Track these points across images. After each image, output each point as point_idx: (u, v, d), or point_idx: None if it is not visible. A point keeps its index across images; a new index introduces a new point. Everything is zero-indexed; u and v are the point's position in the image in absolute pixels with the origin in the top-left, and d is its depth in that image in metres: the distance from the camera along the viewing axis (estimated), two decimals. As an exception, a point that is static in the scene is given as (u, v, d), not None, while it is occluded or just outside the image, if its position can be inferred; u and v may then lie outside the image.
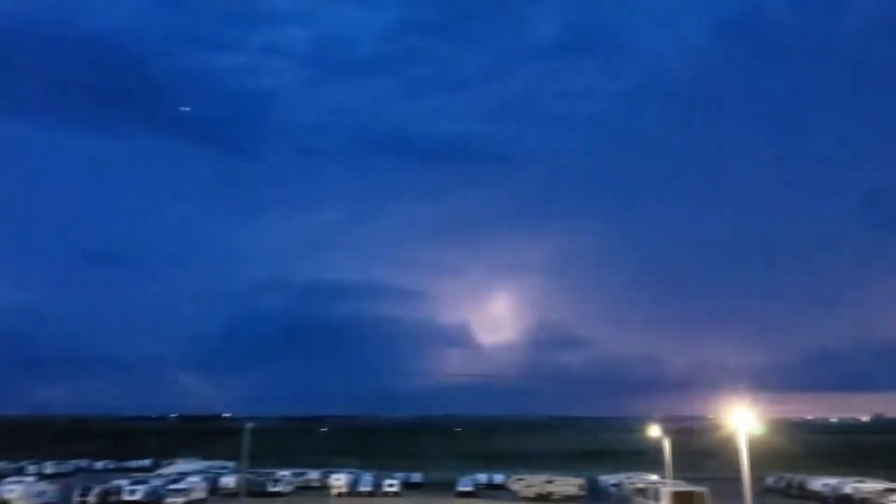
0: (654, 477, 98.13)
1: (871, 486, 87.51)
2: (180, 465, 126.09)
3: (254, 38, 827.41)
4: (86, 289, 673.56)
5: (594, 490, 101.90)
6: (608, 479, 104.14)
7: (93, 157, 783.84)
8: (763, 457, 65.71)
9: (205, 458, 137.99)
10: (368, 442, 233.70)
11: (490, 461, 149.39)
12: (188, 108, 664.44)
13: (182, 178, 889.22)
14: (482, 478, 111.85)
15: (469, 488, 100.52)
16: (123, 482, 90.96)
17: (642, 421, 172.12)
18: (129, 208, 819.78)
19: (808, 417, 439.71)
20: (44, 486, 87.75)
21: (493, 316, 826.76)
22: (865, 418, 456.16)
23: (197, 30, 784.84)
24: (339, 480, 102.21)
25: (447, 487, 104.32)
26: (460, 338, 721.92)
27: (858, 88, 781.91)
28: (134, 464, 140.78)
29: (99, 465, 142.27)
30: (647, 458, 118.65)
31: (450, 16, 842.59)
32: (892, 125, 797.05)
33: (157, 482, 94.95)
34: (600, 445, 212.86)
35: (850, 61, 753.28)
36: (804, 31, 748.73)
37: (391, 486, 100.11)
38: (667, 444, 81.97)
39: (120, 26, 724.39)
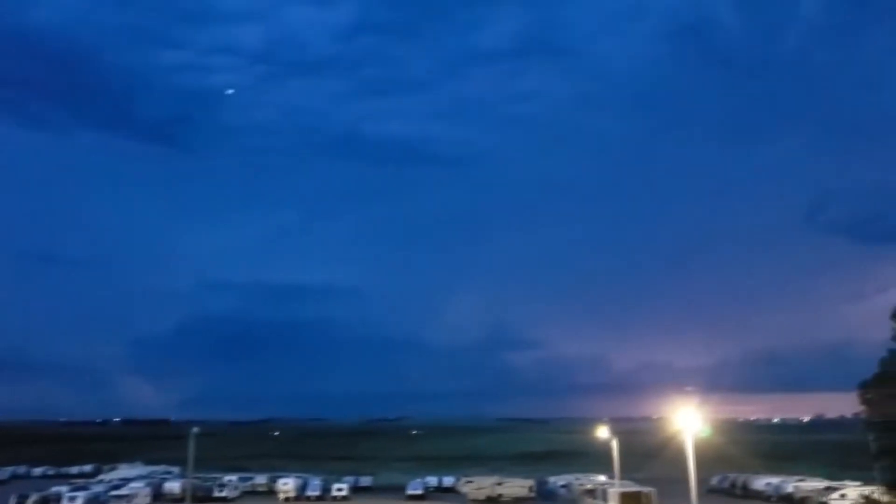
0: (602, 478, 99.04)
1: (811, 484, 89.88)
2: (123, 471, 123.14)
3: (204, 35, 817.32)
4: (24, 289, 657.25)
5: (543, 491, 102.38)
6: (557, 480, 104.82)
7: (32, 152, 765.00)
8: (708, 457, 66.65)
9: (149, 463, 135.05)
10: (317, 445, 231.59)
11: (441, 464, 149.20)
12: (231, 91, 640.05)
13: (128, 175, 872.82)
14: (432, 480, 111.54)
15: (419, 491, 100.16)
16: (63, 489, 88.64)
17: (591, 422, 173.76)
18: (71, 206, 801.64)
19: (752, 418, 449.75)
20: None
21: (445, 318, 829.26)
22: (806, 418, 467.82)
23: (146, 26, 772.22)
24: (286, 485, 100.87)
25: (397, 491, 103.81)
26: (411, 340, 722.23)
27: (804, 94, 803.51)
28: (75, 469, 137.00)
29: (37, 471, 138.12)
30: (595, 458, 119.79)
31: (403, 17, 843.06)
32: (835, 130, 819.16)
33: (98, 488, 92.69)
34: (549, 447, 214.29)
35: (795, 68, 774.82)
36: (752, 39, 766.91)
37: (340, 490, 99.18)
38: (615, 445, 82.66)
39: (64, 19, 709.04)
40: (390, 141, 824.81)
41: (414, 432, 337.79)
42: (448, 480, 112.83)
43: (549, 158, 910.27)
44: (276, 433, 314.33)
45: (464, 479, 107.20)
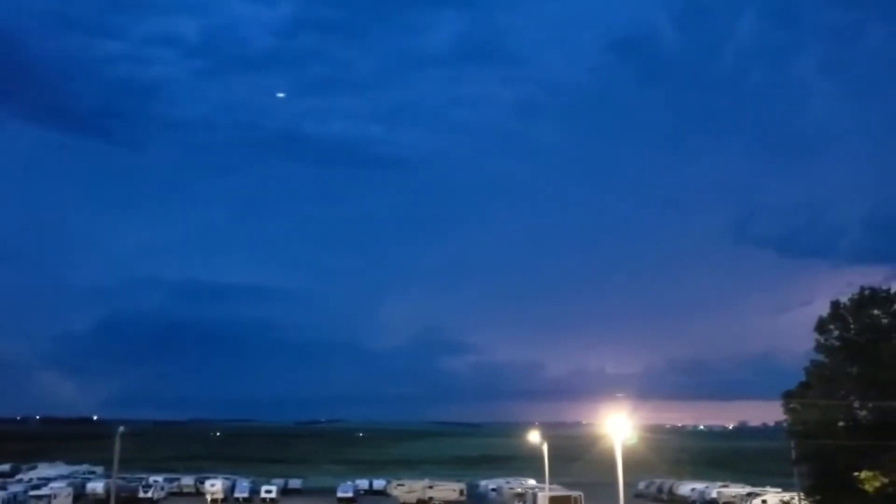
0: (532, 482, 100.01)
1: (734, 490, 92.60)
2: (43, 470, 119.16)
3: (140, 26, 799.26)
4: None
5: (474, 495, 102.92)
6: (488, 483, 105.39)
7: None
8: (635, 462, 67.95)
9: (71, 462, 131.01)
10: (247, 447, 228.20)
11: (373, 467, 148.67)
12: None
13: (58, 168, 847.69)
14: (363, 483, 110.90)
15: (349, 494, 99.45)
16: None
17: (523, 426, 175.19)
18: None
19: (679, 424, 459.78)
20: None
21: (381, 321, 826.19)
22: (731, 425, 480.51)
23: (80, 14, 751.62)
24: (214, 486, 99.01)
25: (327, 494, 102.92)
26: (347, 343, 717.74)
27: (736, 110, 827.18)
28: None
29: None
30: (526, 463, 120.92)
31: (347, 17, 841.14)
32: (765, 147, 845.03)
33: (16, 488, 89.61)
34: (482, 451, 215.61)
35: (729, 85, 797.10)
36: (688, 54, 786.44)
37: (269, 492, 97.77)
38: (545, 449, 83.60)
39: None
40: (330, 141, 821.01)
41: (360, 434, 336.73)
42: (379, 483, 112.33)
43: (489, 164, 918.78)
44: (204, 434, 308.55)
45: (394, 483, 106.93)
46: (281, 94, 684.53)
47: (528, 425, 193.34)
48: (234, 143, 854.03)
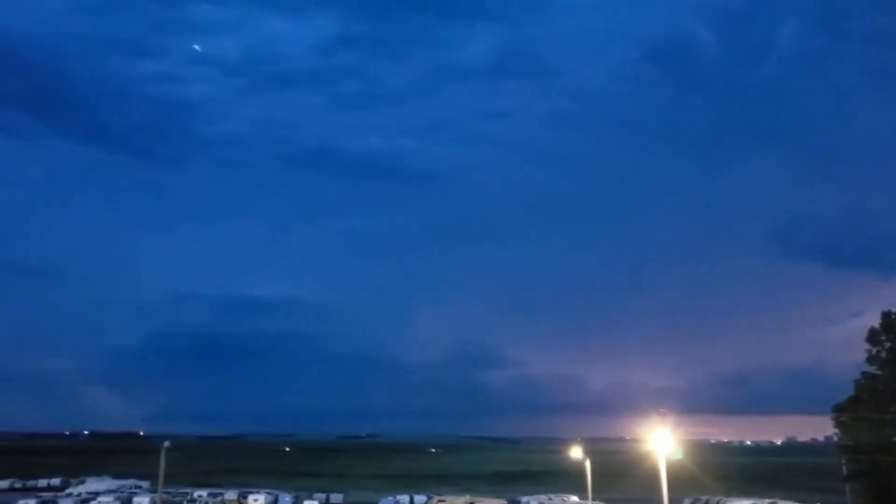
0: (574, 498, 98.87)
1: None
2: (91, 485, 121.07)
3: (180, 46, 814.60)
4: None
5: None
6: (529, 499, 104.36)
7: (2, 161, 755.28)
8: (680, 478, 66.84)
9: (117, 476, 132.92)
10: (289, 461, 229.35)
11: (411, 481, 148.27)
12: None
13: (101, 185, 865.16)
14: (404, 499, 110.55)
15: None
16: (31, 502, 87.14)
17: (563, 442, 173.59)
18: (40, 216, 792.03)
19: (725, 440, 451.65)
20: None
21: (419, 335, 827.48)
22: (779, 441, 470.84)
23: (121, 36, 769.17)
24: (256, 501, 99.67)
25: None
26: (385, 357, 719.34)
27: (778, 119, 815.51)
28: (42, 483, 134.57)
29: (4, 484, 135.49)
30: (568, 478, 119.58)
31: (382, 32, 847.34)
32: (809, 155, 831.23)
33: (66, 502, 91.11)
34: (522, 466, 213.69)
35: (770, 92, 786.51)
36: (728, 62, 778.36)
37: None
38: (588, 465, 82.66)
39: (39, 29, 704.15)
40: (365, 155, 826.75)
41: (398, 448, 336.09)
42: (420, 499, 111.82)
43: (524, 176, 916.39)
44: (243, 448, 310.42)
45: (436, 498, 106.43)
46: (196, 47, 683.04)
47: (569, 440, 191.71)
48: (270, 158, 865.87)
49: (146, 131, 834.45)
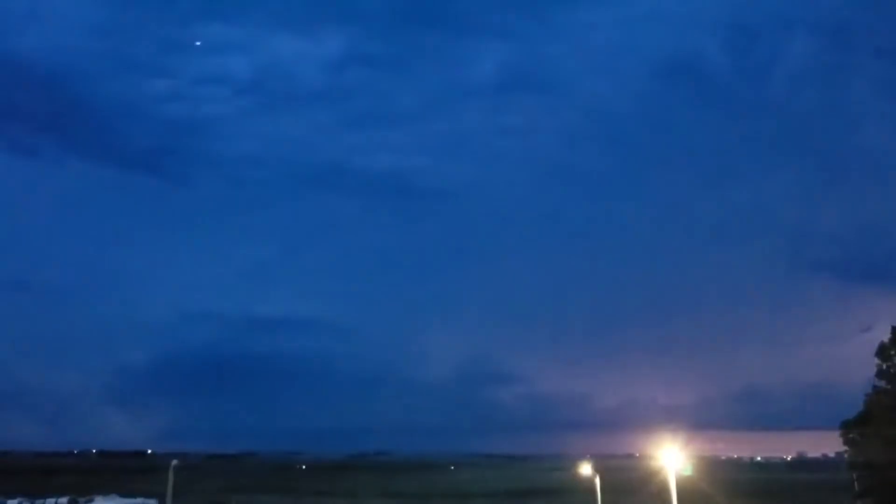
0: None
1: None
2: (99, 503, 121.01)
3: (191, 65, 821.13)
4: (2, 317, 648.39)
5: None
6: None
7: (17, 180, 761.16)
8: (690, 495, 66.38)
9: (125, 495, 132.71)
10: (297, 479, 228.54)
11: (421, 500, 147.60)
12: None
13: (113, 204, 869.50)
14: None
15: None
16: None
17: (573, 459, 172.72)
18: (51, 233, 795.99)
19: (734, 456, 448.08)
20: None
21: (427, 352, 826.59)
22: (789, 457, 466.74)
23: (133, 55, 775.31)
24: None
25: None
26: (393, 374, 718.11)
27: (790, 134, 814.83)
28: (50, 501, 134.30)
29: (12, 502, 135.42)
30: (577, 496, 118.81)
31: (392, 51, 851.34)
32: (820, 170, 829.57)
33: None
34: (531, 484, 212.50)
35: (782, 108, 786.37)
36: (739, 78, 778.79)
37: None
38: (598, 482, 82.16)
39: (51, 48, 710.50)
40: (376, 173, 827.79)
41: (406, 466, 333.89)
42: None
43: (535, 193, 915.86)
44: (251, 466, 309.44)
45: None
46: (198, 43, 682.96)
47: (578, 457, 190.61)
48: (282, 177, 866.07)
49: (158, 150, 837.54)
